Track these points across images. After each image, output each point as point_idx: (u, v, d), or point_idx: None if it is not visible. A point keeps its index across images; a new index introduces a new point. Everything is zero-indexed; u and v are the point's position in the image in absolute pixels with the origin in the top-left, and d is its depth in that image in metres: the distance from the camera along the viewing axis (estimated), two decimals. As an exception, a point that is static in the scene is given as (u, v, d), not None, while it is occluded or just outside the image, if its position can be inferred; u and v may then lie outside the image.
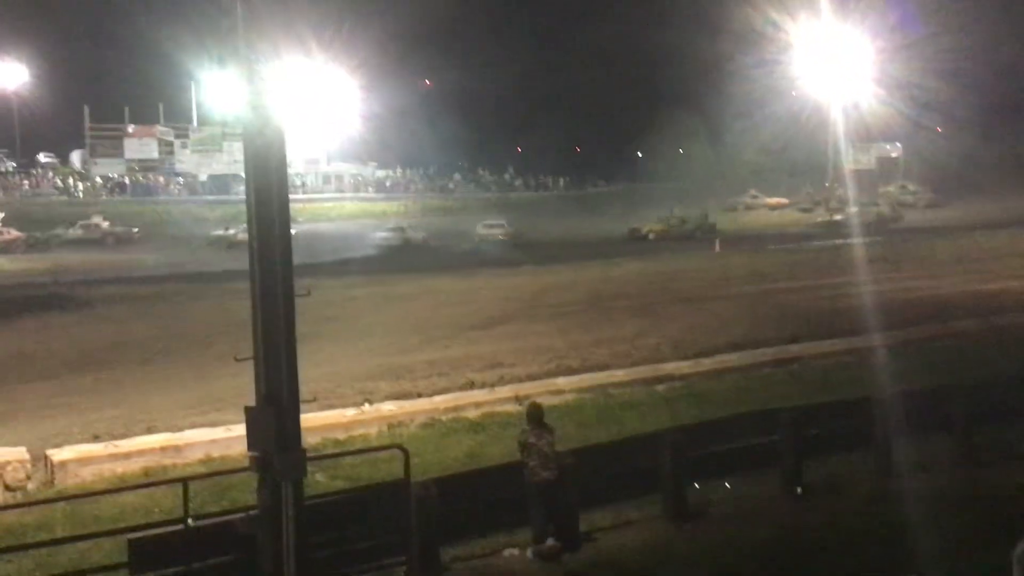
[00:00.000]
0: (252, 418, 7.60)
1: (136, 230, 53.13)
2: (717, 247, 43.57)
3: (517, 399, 14.37)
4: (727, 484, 11.03)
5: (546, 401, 12.73)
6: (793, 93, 64.48)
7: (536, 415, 9.85)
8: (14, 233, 48.00)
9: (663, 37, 72.98)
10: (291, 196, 8.16)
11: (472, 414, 14.12)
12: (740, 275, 31.33)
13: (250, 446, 7.59)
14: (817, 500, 10.95)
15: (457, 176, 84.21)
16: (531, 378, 16.35)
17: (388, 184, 79.86)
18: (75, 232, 50.63)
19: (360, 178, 79.05)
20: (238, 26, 7.31)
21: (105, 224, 52.20)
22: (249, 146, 7.56)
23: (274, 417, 7.53)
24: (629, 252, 41.55)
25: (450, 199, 77.06)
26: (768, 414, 11.64)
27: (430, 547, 8.96)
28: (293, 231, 7.78)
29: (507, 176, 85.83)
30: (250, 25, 7.31)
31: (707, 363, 17.02)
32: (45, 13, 72.25)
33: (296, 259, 7.69)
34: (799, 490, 10.99)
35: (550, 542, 9.53)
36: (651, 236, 51.12)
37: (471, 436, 13.33)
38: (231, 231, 45.66)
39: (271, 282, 7.56)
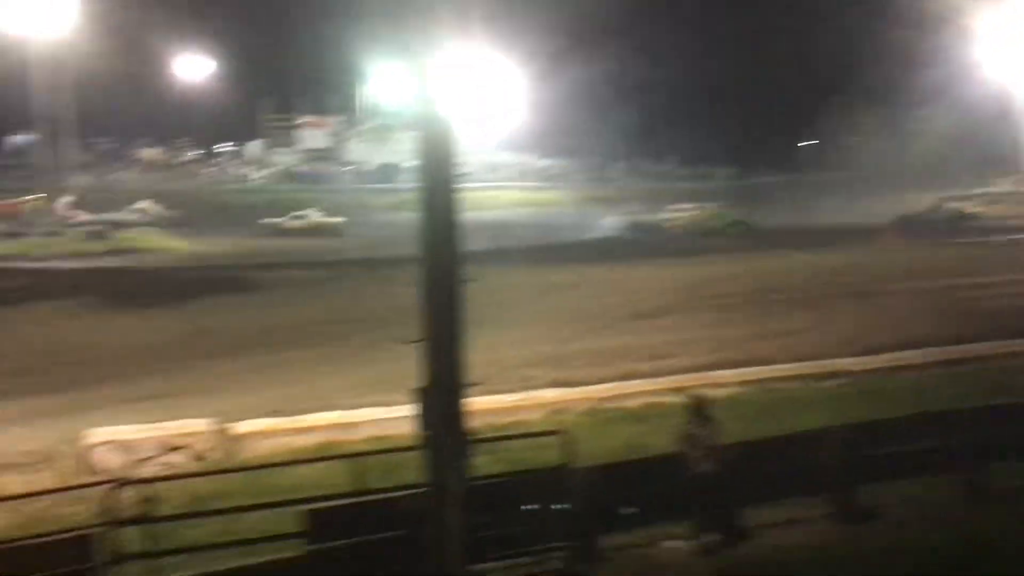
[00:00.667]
0: (420, 400, 7.85)
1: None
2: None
3: (678, 390, 14.22)
4: (901, 485, 10.57)
5: (707, 394, 12.55)
6: (978, 80, 60.89)
7: (699, 407, 9.75)
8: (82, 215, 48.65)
9: (833, 23, 70.34)
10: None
11: (632, 404, 14.09)
12: (916, 269, 29.89)
13: (418, 427, 7.85)
14: (1002, 506, 10.36)
15: (619, 165, 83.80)
16: (692, 370, 16.16)
17: (550, 173, 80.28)
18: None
19: (523, 167, 79.78)
20: (409, 19, 7.53)
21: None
22: (420, 136, 7.78)
23: (441, 399, 7.78)
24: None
25: (611, 188, 76.71)
26: (944, 415, 11.11)
27: (590, 534, 9.02)
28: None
29: (670, 165, 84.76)
30: (421, 17, 7.50)
31: (879, 360, 16.36)
32: (231, 12, 76.10)
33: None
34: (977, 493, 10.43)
35: (710, 536, 9.43)
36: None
37: (631, 425, 13.30)
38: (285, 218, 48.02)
39: (440, 268, 7.78)
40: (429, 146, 7.63)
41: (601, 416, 13.84)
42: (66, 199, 48.21)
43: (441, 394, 7.79)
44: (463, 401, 7.85)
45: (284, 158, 76.19)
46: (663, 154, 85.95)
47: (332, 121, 77.45)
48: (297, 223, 51.86)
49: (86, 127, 60.70)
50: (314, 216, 53.31)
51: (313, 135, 76.86)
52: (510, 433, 12.05)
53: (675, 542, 9.55)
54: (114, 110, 67.81)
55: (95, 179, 64.28)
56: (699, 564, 9.31)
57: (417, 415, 7.83)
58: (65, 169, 53.85)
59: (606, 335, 20.36)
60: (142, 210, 49.90)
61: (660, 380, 15.14)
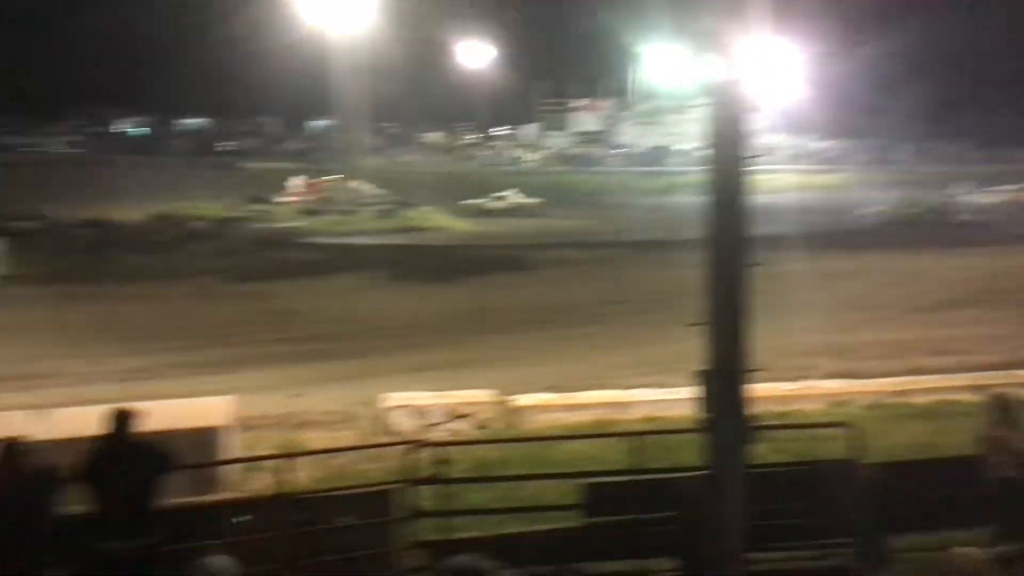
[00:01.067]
0: (702, 383, 7.83)
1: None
2: None
3: (975, 388, 13.27)
4: None
5: (1012, 393, 11.63)
6: None
7: (1003, 406, 9.04)
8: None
9: None
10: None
11: (921, 400, 13.32)
12: None
13: (700, 409, 7.84)
14: None
15: (906, 147, 78.86)
16: (989, 368, 15.02)
17: (830, 156, 76.92)
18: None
19: (800, 149, 76.95)
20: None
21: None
22: (710, 116, 7.71)
23: (723, 383, 7.72)
24: None
25: (895, 171, 72.33)
26: None
27: (875, 533, 8.64)
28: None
29: (963, 148, 78.69)
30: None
31: None
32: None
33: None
34: None
35: (1011, 546, 8.76)
36: None
37: (919, 423, 12.58)
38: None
39: (726, 251, 7.70)
40: (720, 127, 7.55)
41: (886, 411, 13.18)
42: (358, 180, 51.82)
43: (723, 378, 7.74)
44: (746, 386, 7.75)
45: (557, 141, 77.94)
46: (955, 136, 79.93)
47: (605, 104, 78.31)
48: (498, 204, 52.60)
49: (377, 113, 64.95)
50: (513, 197, 53.86)
51: (586, 118, 78.07)
52: (790, 422, 11.74)
53: (969, 549, 8.96)
54: (402, 97, 72.04)
55: (385, 161, 68.65)
56: (995, 574, 8.70)
57: (698, 398, 7.81)
58: (358, 152, 57.82)
59: (891, 326, 19.35)
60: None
61: (953, 376, 14.19)
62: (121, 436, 6.94)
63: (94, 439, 7.01)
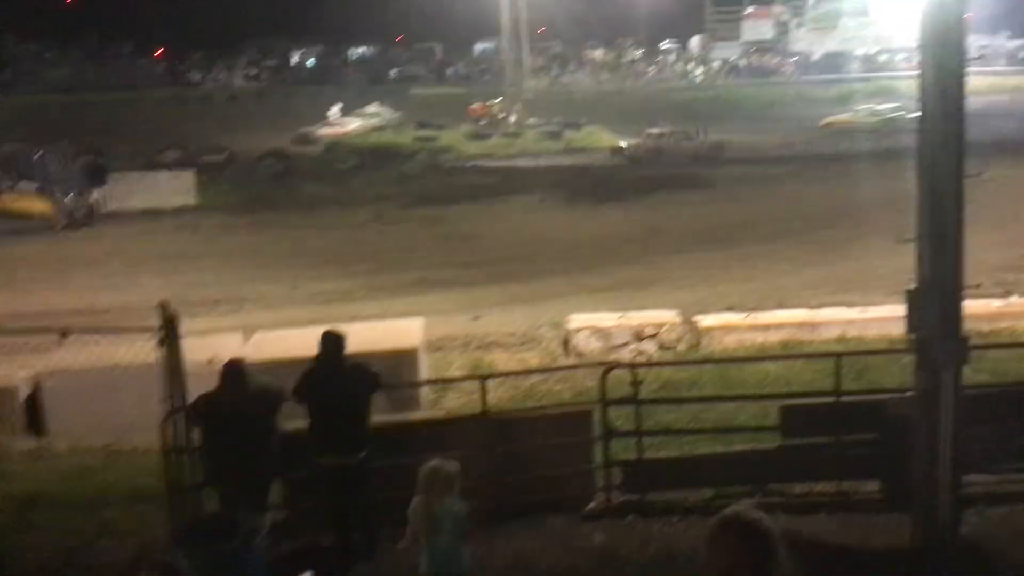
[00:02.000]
0: (914, 300, 7.47)
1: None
2: None
3: None
4: None
5: None
6: None
7: None
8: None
9: None
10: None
11: None
12: None
13: (910, 328, 7.49)
14: None
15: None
16: None
17: (1022, 55, 71.30)
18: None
19: (989, 50, 71.62)
20: None
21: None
22: (926, 18, 7.19)
23: (935, 301, 7.35)
24: None
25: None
26: None
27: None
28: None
29: None
30: None
31: None
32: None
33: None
34: None
35: None
36: None
37: None
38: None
39: (941, 162, 7.24)
40: (937, 27, 7.04)
41: (1104, 330, 12.30)
42: (523, 102, 51.78)
43: (935, 296, 7.35)
44: (960, 303, 7.35)
45: (726, 52, 75.27)
46: None
47: (778, 10, 74.82)
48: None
49: (539, 32, 64.43)
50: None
51: (757, 26, 74.92)
52: (1000, 341, 11.12)
53: None
54: (565, 13, 71.06)
55: (549, 82, 68.20)
56: None
57: (908, 316, 7.47)
58: (522, 73, 57.62)
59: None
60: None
61: None
62: (333, 357, 7.25)
63: (310, 360, 7.35)
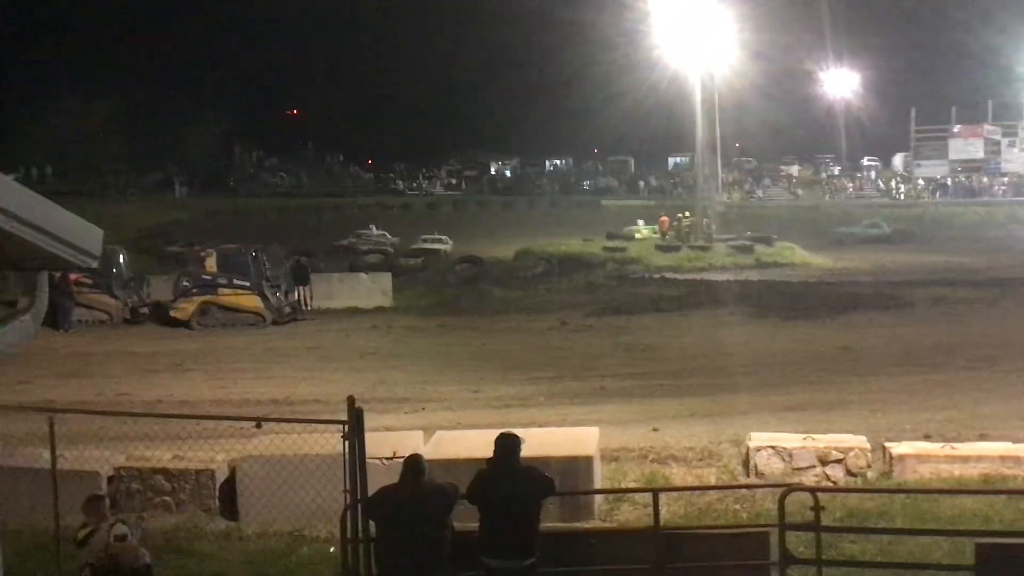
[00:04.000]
0: None
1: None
2: None
3: None
4: None
5: None
6: None
7: None
8: None
9: None
10: None
11: None
12: None
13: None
14: None
15: None
16: None
17: None
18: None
19: None
20: None
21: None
22: None
23: None
24: None
25: None
26: None
27: None
28: None
29: None
30: None
31: None
32: (874, 22, 74.95)
33: None
34: None
35: None
36: None
37: None
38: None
39: None
40: None
41: None
42: (714, 216, 51.67)
43: None
44: None
45: (931, 170, 72.71)
46: None
47: (988, 129, 71.89)
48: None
49: (737, 147, 64.46)
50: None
51: (965, 145, 72.15)
52: None
53: None
54: (761, 130, 70.94)
55: (742, 196, 67.79)
56: None
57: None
58: (715, 187, 57.66)
59: None
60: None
61: None
62: (508, 460, 7.37)
63: (485, 461, 7.51)
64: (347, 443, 7.71)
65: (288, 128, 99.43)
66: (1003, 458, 11.50)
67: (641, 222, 52.43)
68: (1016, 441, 12.63)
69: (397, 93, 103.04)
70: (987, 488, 10.63)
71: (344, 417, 7.78)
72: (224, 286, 28.28)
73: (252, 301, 28.20)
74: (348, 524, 7.77)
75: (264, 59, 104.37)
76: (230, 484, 11.10)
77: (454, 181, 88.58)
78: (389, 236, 51.17)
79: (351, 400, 7.76)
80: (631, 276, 38.04)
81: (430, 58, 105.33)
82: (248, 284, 28.32)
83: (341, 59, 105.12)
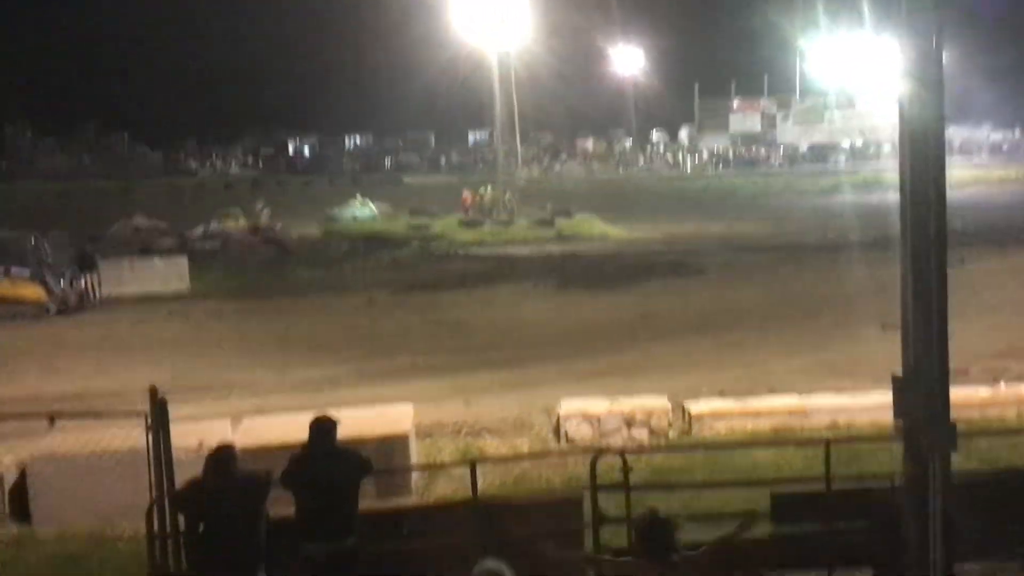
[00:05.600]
0: (899, 387, 7.52)
1: None
2: None
3: None
4: None
5: None
6: None
7: None
8: None
9: None
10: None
11: None
12: None
13: (896, 414, 7.53)
14: None
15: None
16: None
17: (1005, 148, 72.75)
18: None
19: (971, 142, 73.11)
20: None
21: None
22: (904, 112, 7.40)
23: (922, 386, 7.40)
24: None
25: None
26: None
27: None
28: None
29: None
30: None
31: None
32: (660, 1, 78.04)
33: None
34: None
35: None
36: None
37: None
38: None
39: (923, 251, 7.38)
40: (914, 122, 7.24)
41: (1092, 417, 12.35)
42: (514, 190, 52.51)
43: (921, 383, 7.41)
44: (947, 390, 7.39)
45: (715, 143, 76.76)
46: None
47: (764, 104, 76.58)
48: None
49: (532, 122, 65.64)
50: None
51: (744, 119, 76.56)
52: (988, 429, 11.15)
53: None
54: (556, 105, 72.50)
55: (541, 171, 69.20)
56: None
57: (895, 403, 7.51)
58: (514, 162, 58.55)
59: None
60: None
61: None
62: (324, 443, 7.24)
63: (299, 445, 7.35)
64: (151, 435, 7.35)
65: (67, 106, 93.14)
66: (791, 411, 12.36)
67: (359, 197, 51.53)
68: (802, 394, 13.60)
69: (184, 66, 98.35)
70: (778, 440, 11.36)
71: (145, 408, 7.41)
72: (1, 276, 26.29)
73: (33, 291, 26.35)
74: (155, 520, 7.43)
75: (40, 30, 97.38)
76: (20, 487, 10.37)
77: (251, 160, 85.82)
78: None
79: (153, 390, 7.40)
80: (436, 253, 38.12)
81: (220, 30, 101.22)
82: (28, 273, 26.42)
83: (123, 31, 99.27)
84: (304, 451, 7.28)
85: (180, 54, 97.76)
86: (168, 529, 7.42)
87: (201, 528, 7.01)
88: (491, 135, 60.47)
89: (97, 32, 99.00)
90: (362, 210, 48.32)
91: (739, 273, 29.57)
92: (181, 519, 7.29)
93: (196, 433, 10.29)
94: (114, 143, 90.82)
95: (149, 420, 7.35)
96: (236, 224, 43.41)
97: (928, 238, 7.35)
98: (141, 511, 7.63)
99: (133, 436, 7.94)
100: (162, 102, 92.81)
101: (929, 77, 7.14)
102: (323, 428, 7.26)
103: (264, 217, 43.92)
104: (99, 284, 29.46)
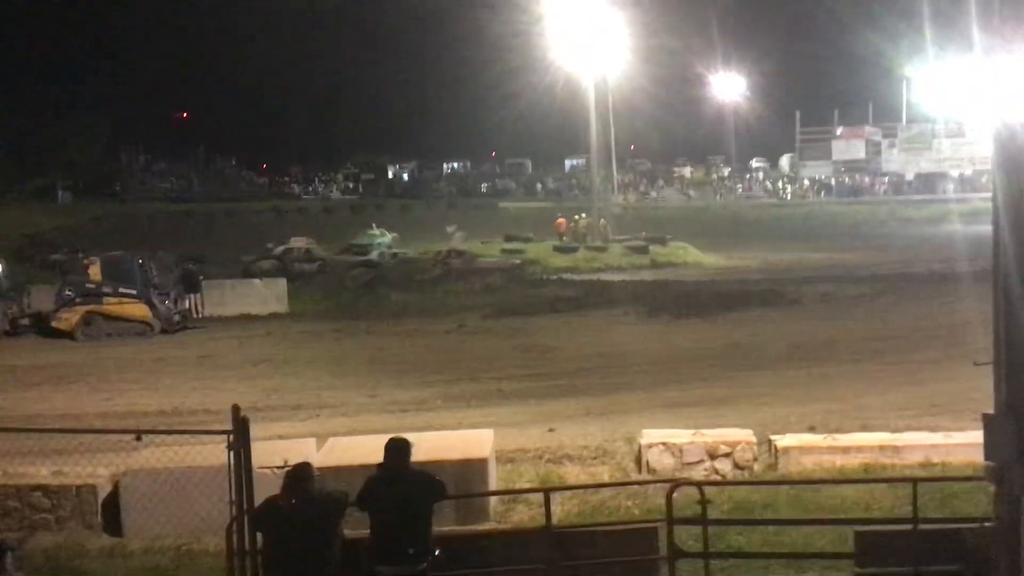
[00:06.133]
0: (990, 425, 7.22)
1: None
2: None
3: None
4: None
5: None
6: None
7: None
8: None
9: None
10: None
11: None
12: None
13: (987, 455, 7.23)
14: None
15: None
16: None
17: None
18: None
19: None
20: (991, 11, 6.96)
21: None
22: (999, 140, 7.16)
23: (1014, 426, 7.10)
24: None
25: None
26: None
27: None
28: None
29: None
30: (1007, 7, 6.90)
31: None
32: (761, 26, 77.12)
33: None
34: None
35: None
36: None
37: None
38: None
39: (1016, 282, 7.11)
40: (1007, 151, 7.00)
41: None
42: (610, 217, 52.35)
43: (1014, 422, 7.11)
44: (1040, 431, 7.07)
45: (816, 171, 75.24)
46: None
47: (868, 131, 74.77)
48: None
49: (630, 149, 65.52)
50: None
51: (847, 146, 74.87)
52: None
53: None
54: (655, 132, 72.25)
55: (637, 198, 68.88)
56: None
57: (985, 443, 7.22)
58: (610, 189, 58.46)
59: None
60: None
61: None
62: (399, 465, 7.32)
63: (375, 467, 7.44)
64: (232, 453, 7.54)
65: (177, 131, 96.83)
66: (882, 448, 11.96)
67: (374, 226, 49.23)
68: (894, 431, 13.16)
69: (290, 95, 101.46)
70: (866, 477, 11.02)
71: (229, 427, 7.61)
72: (109, 295, 27.36)
73: (139, 310, 27.36)
74: (235, 537, 7.60)
75: (150, 60, 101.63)
76: (113, 499, 10.74)
77: (351, 184, 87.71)
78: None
79: (236, 408, 7.60)
80: (528, 278, 38.24)
81: (324, 60, 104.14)
82: (135, 292, 27.45)
83: (230, 60, 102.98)
84: (379, 472, 7.36)
85: (284, 82, 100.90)
86: (247, 546, 7.57)
87: (276, 546, 7.14)
88: (587, 161, 60.44)
89: (210, 58, 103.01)
90: (382, 239, 47.41)
91: (837, 303, 28.86)
92: (259, 536, 7.43)
93: (281, 451, 10.50)
94: (221, 167, 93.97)
95: (231, 438, 7.54)
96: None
97: (1018, 270, 7.07)
98: (224, 527, 7.83)
99: (218, 453, 8.15)
100: (268, 130, 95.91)
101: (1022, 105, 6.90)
102: (397, 449, 7.34)
103: (458, 240, 44.69)
104: (203, 304, 30.46)
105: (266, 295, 31.64)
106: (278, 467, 9.79)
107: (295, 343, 25.69)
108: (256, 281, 33.72)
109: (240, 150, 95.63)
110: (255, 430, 8.21)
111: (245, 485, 7.50)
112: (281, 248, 42.20)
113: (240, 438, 7.51)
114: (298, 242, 43.18)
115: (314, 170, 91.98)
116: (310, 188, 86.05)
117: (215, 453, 8.69)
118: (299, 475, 7.16)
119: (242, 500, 7.48)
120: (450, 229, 47.96)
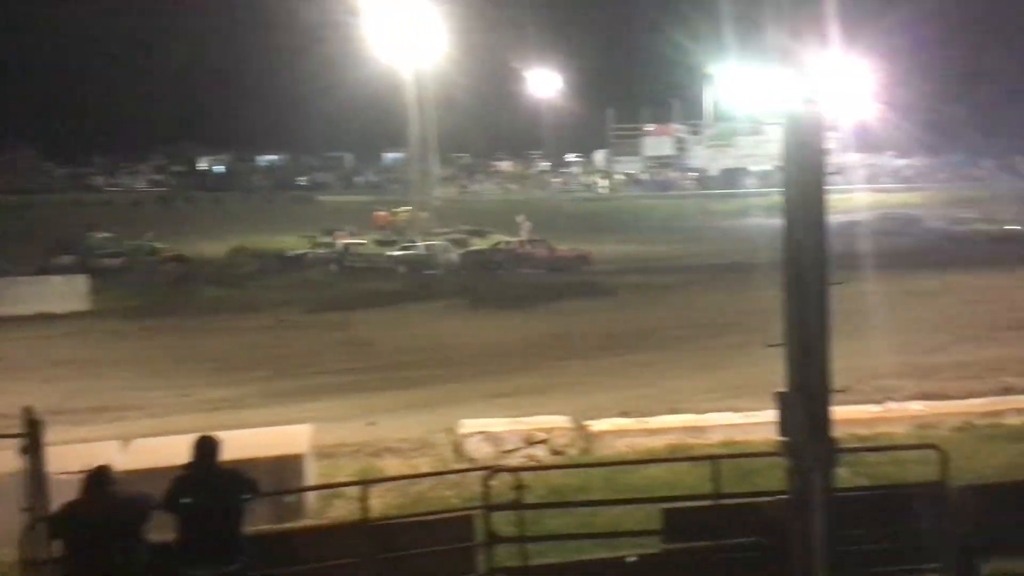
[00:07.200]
0: (783, 404, 7.67)
1: None
2: None
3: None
4: None
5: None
6: None
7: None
8: None
9: None
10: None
11: (1014, 421, 12.88)
12: None
13: (780, 432, 7.68)
14: None
15: (987, 163, 76.83)
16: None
17: (907, 173, 75.38)
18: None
19: (876, 168, 75.51)
20: (783, 19, 7.38)
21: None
22: (787, 137, 7.61)
23: (805, 405, 7.57)
24: None
25: (979, 188, 70.47)
26: None
27: (968, 558, 8.34)
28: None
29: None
30: (794, 15, 7.34)
31: None
32: (575, 24, 78.97)
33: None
34: None
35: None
36: None
37: (1013, 445, 12.15)
38: None
39: (806, 271, 7.57)
40: (797, 148, 7.44)
41: (975, 433, 12.77)
42: (430, 210, 52.41)
43: (804, 400, 7.58)
44: (828, 408, 7.57)
45: (628, 166, 77.84)
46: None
47: (677, 128, 78.02)
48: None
49: (449, 143, 65.69)
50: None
51: (657, 143, 77.90)
52: (875, 445, 11.44)
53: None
54: (473, 127, 72.72)
55: (457, 191, 69.20)
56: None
57: (778, 420, 7.66)
58: (430, 183, 58.48)
59: (976, 346, 18.80)
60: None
61: (1046, 396, 13.71)
62: (206, 464, 7.06)
63: (181, 467, 7.15)
64: (26, 458, 7.08)
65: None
66: (687, 428, 12.52)
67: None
68: (700, 413, 13.80)
69: (93, 82, 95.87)
70: (671, 457, 11.48)
71: (20, 430, 7.14)
72: None
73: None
74: (29, 546, 7.14)
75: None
76: None
77: (160, 177, 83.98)
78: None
79: (27, 410, 7.13)
80: (348, 272, 37.74)
81: (129, 45, 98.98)
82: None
83: (27, 44, 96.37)
84: (185, 472, 7.09)
85: (86, 69, 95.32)
86: (44, 555, 7.12)
87: (77, 553, 6.76)
88: (407, 155, 60.26)
89: None
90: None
91: (649, 293, 29.98)
92: (57, 544, 7.02)
93: (84, 456, 9.92)
94: (18, 159, 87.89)
95: (23, 442, 7.08)
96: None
97: (810, 258, 7.54)
98: (16, 537, 7.34)
99: (11, 458, 7.63)
100: (68, 118, 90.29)
101: (806, 105, 7.36)
102: (204, 447, 7.08)
103: (526, 230, 43.40)
104: (-5, 303, 28.46)
105: (65, 292, 29.87)
106: (77, 472, 9.28)
107: (99, 343, 24.39)
108: (53, 277, 31.76)
109: (39, 140, 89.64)
110: (54, 434, 7.76)
111: (39, 490, 7.05)
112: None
113: (33, 441, 7.05)
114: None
115: (119, 161, 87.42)
116: (113, 180, 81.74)
117: (5, 459, 8.13)
118: (98, 478, 6.80)
119: (36, 506, 7.04)
120: (519, 219, 47.52)
